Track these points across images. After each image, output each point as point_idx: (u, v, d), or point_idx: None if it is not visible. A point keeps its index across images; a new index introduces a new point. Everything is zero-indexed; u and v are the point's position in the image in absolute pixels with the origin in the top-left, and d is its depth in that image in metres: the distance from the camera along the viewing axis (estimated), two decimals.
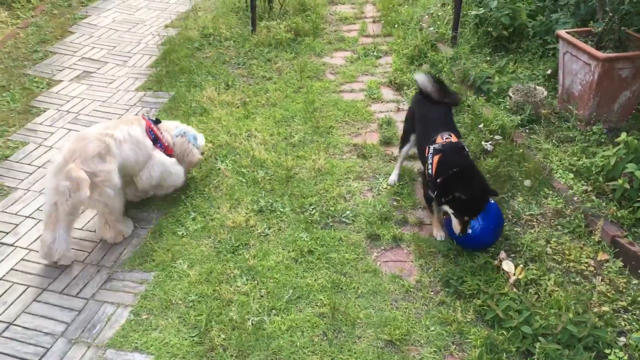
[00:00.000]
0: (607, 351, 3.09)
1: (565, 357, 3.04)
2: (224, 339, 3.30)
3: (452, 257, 3.83)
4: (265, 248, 3.96)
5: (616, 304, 3.45)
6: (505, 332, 3.24)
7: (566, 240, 3.91)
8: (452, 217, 3.66)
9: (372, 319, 3.43)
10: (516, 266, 3.68)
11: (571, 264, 3.74)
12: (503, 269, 3.67)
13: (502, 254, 3.78)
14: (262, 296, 3.57)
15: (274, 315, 3.45)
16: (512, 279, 3.59)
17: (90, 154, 3.70)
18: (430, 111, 4.16)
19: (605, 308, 3.39)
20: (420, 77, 4.26)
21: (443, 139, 3.85)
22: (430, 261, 3.83)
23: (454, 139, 3.86)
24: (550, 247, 3.87)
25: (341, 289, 3.64)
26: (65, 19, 7.66)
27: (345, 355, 3.20)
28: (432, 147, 3.85)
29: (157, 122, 4.37)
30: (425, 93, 4.22)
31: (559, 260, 3.78)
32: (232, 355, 3.21)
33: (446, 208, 3.69)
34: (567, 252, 3.82)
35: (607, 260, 3.76)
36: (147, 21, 7.81)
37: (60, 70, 6.38)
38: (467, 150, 3.94)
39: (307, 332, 3.34)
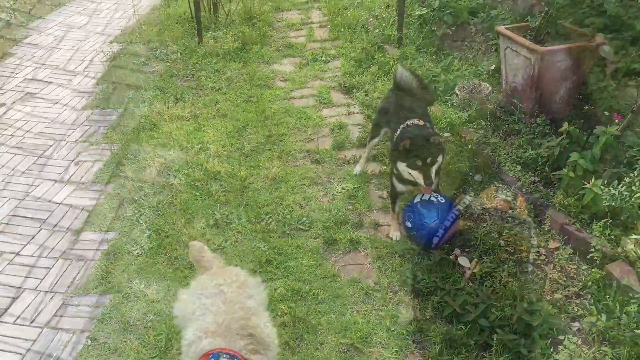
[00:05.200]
0: (562, 337, 3.17)
1: (522, 347, 3.11)
2: None
3: (408, 257, 3.88)
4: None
5: (568, 290, 3.55)
6: (463, 327, 3.30)
7: (517, 232, 4.01)
8: (412, 171, 3.71)
9: (333, 324, 3.44)
10: (471, 260, 3.75)
11: (523, 254, 3.84)
12: (459, 264, 3.74)
13: (457, 251, 3.85)
14: None
15: None
16: (468, 273, 3.66)
17: None
18: (406, 104, 4.21)
19: (557, 295, 3.49)
20: (401, 70, 4.35)
21: (411, 123, 3.94)
22: (387, 262, 3.87)
23: (420, 122, 3.94)
24: (503, 239, 3.95)
25: (301, 296, 3.64)
26: (4, 40, 7.44)
27: None
28: (399, 129, 3.96)
29: None
30: (403, 87, 4.30)
31: (512, 251, 3.87)
32: None
33: (402, 168, 3.76)
34: (519, 242, 3.91)
35: (557, 248, 3.86)
36: (90, 38, 7.65)
37: (2, 94, 6.20)
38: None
39: None
